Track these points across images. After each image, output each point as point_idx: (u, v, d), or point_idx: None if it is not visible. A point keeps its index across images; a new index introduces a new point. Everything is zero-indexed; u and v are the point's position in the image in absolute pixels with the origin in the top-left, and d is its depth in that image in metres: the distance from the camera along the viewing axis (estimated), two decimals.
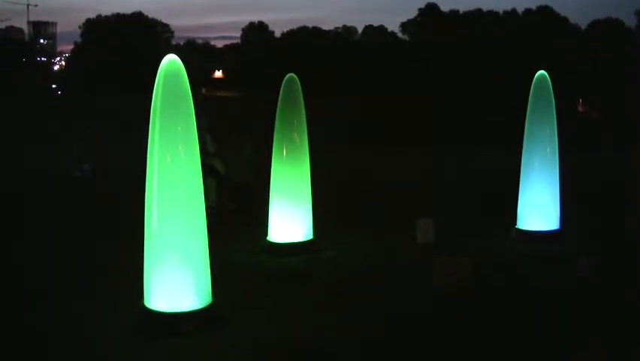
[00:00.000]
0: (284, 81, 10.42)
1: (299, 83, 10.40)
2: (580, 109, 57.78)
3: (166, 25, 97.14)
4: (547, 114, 10.85)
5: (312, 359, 6.54)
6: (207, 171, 11.40)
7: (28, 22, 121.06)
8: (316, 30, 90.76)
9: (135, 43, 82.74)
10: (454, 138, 30.37)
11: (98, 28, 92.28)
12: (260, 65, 74.80)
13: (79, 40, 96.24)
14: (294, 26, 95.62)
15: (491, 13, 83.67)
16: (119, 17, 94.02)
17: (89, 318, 7.41)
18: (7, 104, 48.46)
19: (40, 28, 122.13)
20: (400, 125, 36.65)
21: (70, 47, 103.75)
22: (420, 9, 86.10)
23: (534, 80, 10.91)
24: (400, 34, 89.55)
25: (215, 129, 13.10)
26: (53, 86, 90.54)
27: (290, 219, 10.29)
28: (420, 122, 38.52)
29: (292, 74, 10.49)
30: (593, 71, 60.62)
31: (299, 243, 10.26)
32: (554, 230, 10.80)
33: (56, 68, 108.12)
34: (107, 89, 71.99)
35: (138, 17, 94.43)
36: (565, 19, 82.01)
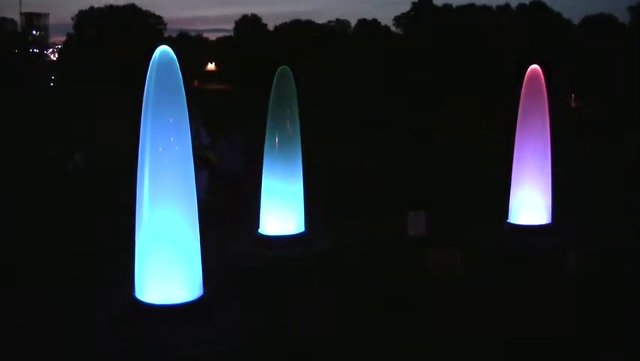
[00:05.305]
0: (276, 73, 10.41)
1: (291, 76, 10.40)
2: (572, 104, 57.89)
3: (159, 18, 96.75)
4: (540, 109, 10.86)
5: (306, 352, 6.56)
6: (201, 163, 11.37)
7: (21, 14, 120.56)
8: (309, 23, 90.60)
9: (128, 35, 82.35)
10: (448, 131, 30.35)
11: (90, 19, 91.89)
12: (253, 57, 74.62)
13: (71, 31, 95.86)
14: (288, 19, 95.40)
15: (484, 8, 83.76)
16: (111, 9, 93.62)
17: (80, 309, 7.39)
18: (1, 96, 48.25)
19: (32, 19, 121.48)
20: (398, 120, 36.60)
21: (63, 38, 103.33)
22: (413, 3, 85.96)
23: (526, 74, 10.93)
24: (393, 28, 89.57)
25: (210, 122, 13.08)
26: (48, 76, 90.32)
27: (281, 212, 10.26)
28: (417, 116, 38.53)
29: (285, 66, 10.48)
30: (586, 66, 60.77)
31: (290, 235, 10.24)
32: (546, 224, 10.82)
33: (48, 59, 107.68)
34: (99, 81, 71.67)
35: (131, 9, 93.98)
36: (558, 15, 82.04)
